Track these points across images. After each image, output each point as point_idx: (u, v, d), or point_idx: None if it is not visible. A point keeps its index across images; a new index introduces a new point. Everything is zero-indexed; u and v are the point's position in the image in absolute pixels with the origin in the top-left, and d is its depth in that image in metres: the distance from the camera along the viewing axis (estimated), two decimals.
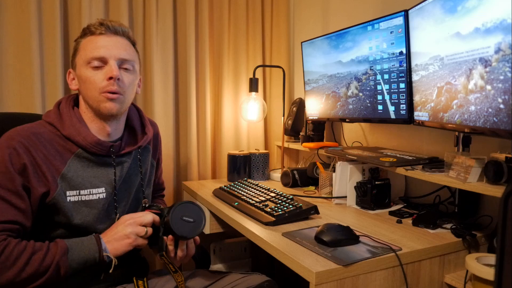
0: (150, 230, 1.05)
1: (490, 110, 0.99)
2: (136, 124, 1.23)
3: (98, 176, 1.09)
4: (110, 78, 1.06)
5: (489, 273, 0.94)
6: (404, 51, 1.37)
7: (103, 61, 1.07)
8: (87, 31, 1.10)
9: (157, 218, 1.07)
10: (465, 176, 1.08)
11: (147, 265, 1.25)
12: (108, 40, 1.09)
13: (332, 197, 1.55)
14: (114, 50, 1.08)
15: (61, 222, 1.03)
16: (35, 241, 0.96)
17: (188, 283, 1.17)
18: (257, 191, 1.52)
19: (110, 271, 0.99)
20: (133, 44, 1.16)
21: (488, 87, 0.99)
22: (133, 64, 1.12)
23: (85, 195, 1.06)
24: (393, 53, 1.42)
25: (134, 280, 1.11)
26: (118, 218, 1.09)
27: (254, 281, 1.18)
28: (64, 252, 0.94)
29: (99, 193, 1.08)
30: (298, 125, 2.05)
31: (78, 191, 1.05)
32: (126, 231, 1.01)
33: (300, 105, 2.04)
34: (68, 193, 1.03)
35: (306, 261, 0.97)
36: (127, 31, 1.13)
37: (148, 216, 1.05)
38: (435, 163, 1.31)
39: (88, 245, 0.98)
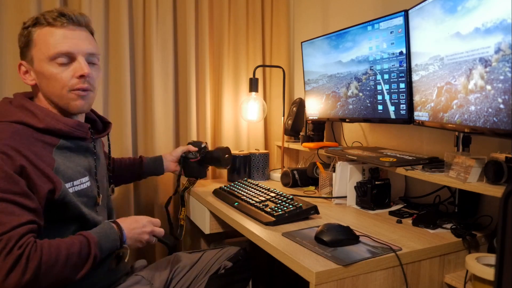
0: (154, 240, 1.16)
1: (490, 110, 0.99)
2: (93, 115, 1.23)
3: (81, 164, 1.08)
4: (81, 76, 1.03)
5: (489, 273, 0.94)
6: (404, 51, 1.37)
7: (71, 57, 1.03)
8: (42, 21, 1.02)
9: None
10: (465, 176, 1.08)
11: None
12: (72, 33, 1.03)
13: (332, 197, 1.55)
14: (81, 45, 1.04)
15: (73, 217, 1.02)
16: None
17: (177, 265, 1.30)
18: (257, 191, 1.52)
19: (126, 260, 1.06)
20: (93, 34, 1.13)
21: (488, 87, 0.99)
22: (99, 58, 1.11)
23: (77, 185, 1.04)
24: (393, 53, 1.42)
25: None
26: (99, 205, 1.13)
27: (232, 251, 1.37)
28: (96, 244, 0.96)
29: (86, 181, 1.08)
30: (298, 125, 2.05)
31: (72, 183, 1.03)
32: (143, 237, 1.10)
33: (300, 105, 2.04)
34: (67, 185, 1.01)
35: (306, 261, 0.97)
36: (89, 20, 1.09)
37: (160, 231, 1.16)
38: (435, 163, 1.31)
39: (112, 236, 1.02)
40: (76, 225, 1.03)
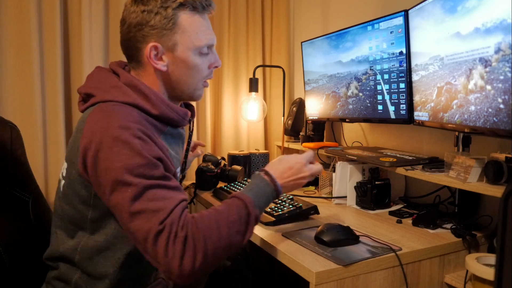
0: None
1: (490, 110, 0.99)
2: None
3: (178, 153, 1.05)
4: (215, 67, 1.02)
5: (489, 273, 0.94)
6: (404, 51, 1.37)
7: (210, 49, 1.01)
8: (191, 5, 0.95)
9: None
10: (465, 176, 1.08)
11: None
12: (210, 24, 1.00)
13: (332, 197, 1.55)
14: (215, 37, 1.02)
15: None
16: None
17: None
18: None
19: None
20: None
21: (488, 87, 0.99)
22: None
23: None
24: (393, 53, 1.42)
25: None
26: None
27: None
28: (252, 204, 0.89)
29: (178, 171, 1.03)
30: (298, 125, 2.05)
31: None
32: (300, 184, 1.01)
33: (300, 105, 2.04)
34: None
35: (306, 261, 0.97)
36: None
37: (318, 169, 1.05)
38: (435, 163, 1.31)
39: (267, 192, 0.95)
40: None
